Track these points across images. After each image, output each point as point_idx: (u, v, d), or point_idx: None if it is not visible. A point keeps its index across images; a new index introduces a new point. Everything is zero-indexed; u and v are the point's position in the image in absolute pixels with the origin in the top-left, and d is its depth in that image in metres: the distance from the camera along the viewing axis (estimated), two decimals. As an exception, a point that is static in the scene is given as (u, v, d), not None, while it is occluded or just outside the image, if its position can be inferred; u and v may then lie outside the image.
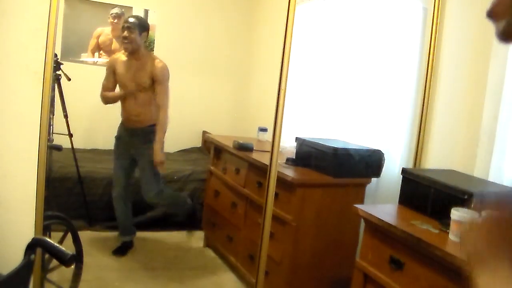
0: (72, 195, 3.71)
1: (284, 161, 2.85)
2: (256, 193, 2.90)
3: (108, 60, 3.39)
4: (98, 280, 2.94)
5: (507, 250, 0.49)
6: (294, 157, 2.88)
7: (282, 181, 2.51)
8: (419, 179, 2.07)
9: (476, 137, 2.23)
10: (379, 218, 1.87)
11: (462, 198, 1.81)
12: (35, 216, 2.00)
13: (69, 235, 2.51)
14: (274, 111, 2.25)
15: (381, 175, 2.72)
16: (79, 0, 4.47)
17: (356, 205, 2.03)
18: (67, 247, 1.44)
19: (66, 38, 4.43)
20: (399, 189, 2.19)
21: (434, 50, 2.49)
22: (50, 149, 2.77)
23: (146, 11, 4.72)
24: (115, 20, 4.62)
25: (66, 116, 3.51)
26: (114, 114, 3.39)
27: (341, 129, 3.20)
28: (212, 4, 4.96)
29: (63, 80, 3.38)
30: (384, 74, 2.88)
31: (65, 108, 3.47)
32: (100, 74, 4.59)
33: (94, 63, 4.62)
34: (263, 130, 3.70)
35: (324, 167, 2.64)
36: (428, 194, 1.98)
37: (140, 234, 3.69)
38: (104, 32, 4.61)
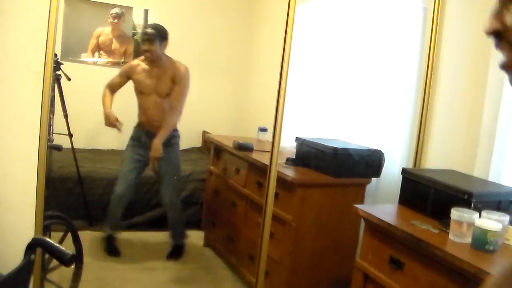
0: (72, 195, 3.71)
1: (284, 161, 2.85)
2: (256, 193, 2.90)
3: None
4: (98, 280, 2.94)
5: None
6: (294, 157, 2.88)
7: (282, 181, 2.51)
8: (419, 179, 2.07)
9: (476, 137, 2.23)
10: (379, 218, 1.87)
11: (462, 198, 1.81)
12: (35, 216, 2.00)
13: (69, 235, 2.51)
14: (274, 111, 2.25)
15: (381, 175, 2.72)
16: (79, 0, 4.47)
17: (356, 205, 2.03)
18: (67, 247, 1.44)
19: (66, 38, 4.43)
20: (399, 189, 2.19)
21: (434, 50, 2.49)
22: (50, 149, 2.77)
23: (146, 11, 4.72)
24: (115, 20, 4.61)
25: (66, 116, 3.51)
26: (133, 118, 3.38)
27: (341, 129, 3.20)
28: (212, 4, 4.96)
29: (63, 80, 3.38)
30: (384, 74, 2.88)
31: (65, 108, 3.47)
32: (100, 74, 4.62)
33: (94, 63, 4.62)
34: (263, 130, 3.70)
35: (324, 167, 2.64)
36: (428, 194, 1.98)
37: (140, 234, 3.69)
38: (104, 32, 4.61)
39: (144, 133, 3.31)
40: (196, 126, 5.02)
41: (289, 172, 2.60)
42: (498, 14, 0.56)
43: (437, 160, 2.48)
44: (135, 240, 3.62)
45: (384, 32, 2.90)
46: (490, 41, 0.61)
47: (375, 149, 2.69)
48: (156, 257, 3.43)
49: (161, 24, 3.26)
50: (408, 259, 1.73)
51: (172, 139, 3.31)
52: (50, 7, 1.92)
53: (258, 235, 2.42)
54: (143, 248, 3.53)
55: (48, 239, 1.35)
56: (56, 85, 3.27)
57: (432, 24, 2.49)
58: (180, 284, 3.06)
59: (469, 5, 2.38)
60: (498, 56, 0.64)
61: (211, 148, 3.71)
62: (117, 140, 4.39)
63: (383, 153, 2.69)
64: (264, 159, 2.75)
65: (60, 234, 2.51)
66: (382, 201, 2.74)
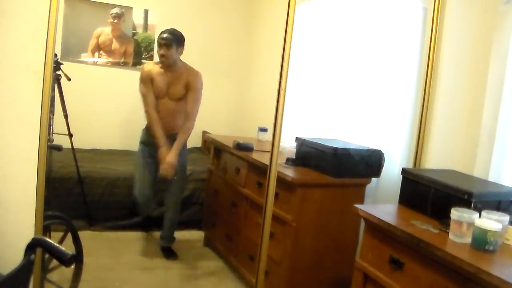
0: (72, 195, 3.71)
1: (284, 161, 2.85)
2: (256, 193, 2.90)
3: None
4: (98, 280, 2.94)
5: None
6: (294, 157, 2.88)
7: (282, 181, 2.51)
8: (419, 179, 2.07)
9: (476, 137, 2.23)
10: (379, 218, 1.87)
11: (462, 198, 1.81)
12: (35, 216, 2.00)
13: (69, 235, 2.51)
14: (274, 111, 2.25)
15: (381, 175, 2.72)
16: (79, 0, 4.47)
17: (356, 205, 2.03)
18: (67, 247, 1.44)
19: (66, 38, 4.43)
20: (399, 189, 2.19)
21: (434, 50, 2.49)
22: (50, 149, 2.77)
23: (146, 11, 4.72)
24: (115, 20, 4.62)
25: (66, 116, 3.51)
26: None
27: (341, 129, 3.20)
28: (212, 4, 4.96)
29: (63, 80, 3.37)
30: (384, 74, 2.88)
31: (65, 108, 3.47)
32: (100, 74, 4.63)
33: (94, 63, 4.62)
34: (263, 130, 3.71)
35: (324, 167, 2.64)
36: (428, 194, 1.98)
37: (140, 234, 3.69)
38: (104, 32, 4.61)
39: (153, 136, 3.29)
40: (196, 126, 4.97)
41: (289, 172, 2.60)
42: None
43: (437, 160, 2.48)
44: (135, 240, 3.62)
45: (384, 32, 2.90)
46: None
47: (375, 149, 2.69)
48: (156, 257, 3.43)
49: (177, 30, 3.27)
50: (408, 259, 1.73)
51: None
52: (50, 7, 1.92)
53: (258, 235, 2.42)
54: (143, 248, 3.53)
55: (48, 239, 1.35)
56: (56, 85, 3.27)
57: (432, 24, 2.49)
58: (180, 284, 3.06)
59: (469, 5, 2.38)
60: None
61: (211, 148, 3.71)
62: (117, 140, 4.40)
63: (383, 153, 2.69)
64: (264, 159, 2.75)
65: (60, 234, 2.52)
66: (382, 201, 2.74)
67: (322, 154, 2.66)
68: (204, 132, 4.98)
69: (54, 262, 2.29)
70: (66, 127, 3.54)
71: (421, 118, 2.53)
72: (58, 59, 3.31)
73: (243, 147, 3.15)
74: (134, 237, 3.64)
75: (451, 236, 1.68)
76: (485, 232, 1.56)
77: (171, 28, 3.27)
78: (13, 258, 1.42)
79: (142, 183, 3.35)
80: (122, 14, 4.63)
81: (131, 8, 4.66)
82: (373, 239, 1.93)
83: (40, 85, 1.95)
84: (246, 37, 5.05)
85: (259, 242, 2.40)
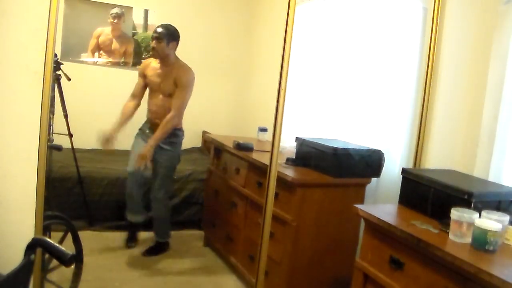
0: (72, 195, 3.71)
1: (284, 161, 2.85)
2: (256, 193, 2.90)
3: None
4: (98, 280, 2.94)
5: None
6: (294, 157, 2.88)
7: (282, 181, 2.51)
8: (419, 179, 2.07)
9: (476, 137, 2.23)
10: (379, 218, 1.87)
11: (462, 198, 1.81)
12: (35, 216, 2.00)
13: (69, 235, 2.51)
14: (274, 111, 2.25)
15: (381, 175, 2.72)
16: (79, 0, 4.47)
17: (356, 205, 2.03)
18: (67, 247, 1.43)
19: (66, 38, 4.43)
20: (399, 189, 2.19)
21: (434, 50, 2.49)
22: (50, 149, 2.77)
23: (146, 11, 4.72)
24: (115, 20, 4.62)
25: (66, 116, 3.51)
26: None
27: (341, 129, 3.20)
28: (212, 4, 4.96)
29: (63, 80, 3.37)
30: (384, 74, 2.88)
31: (65, 108, 3.47)
32: (100, 74, 4.63)
33: (94, 63, 4.62)
34: (263, 130, 3.70)
35: (324, 167, 2.64)
36: (428, 194, 1.98)
37: (141, 234, 3.69)
38: (104, 32, 4.61)
39: (147, 127, 3.41)
40: (196, 126, 5.02)
41: (289, 172, 2.60)
42: None
43: (437, 160, 2.48)
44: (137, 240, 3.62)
45: (384, 32, 2.90)
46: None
47: (375, 149, 2.69)
48: (156, 256, 3.43)
49: (173, 25, 3.29)
50: (408, 259, 1.73)
51: (172, 138, 3.32)
52: (50, 7, 1.92)
53: (258, 235, 2.42)
54: (143, 248, 3.53)
55: (48, 239, 1.35)
56: (56, 85, 3.27)
57: (432, 24, 2.49)
58: (180, 284, 3.06)
59: (469, 5, 2.38)
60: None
61: (211, 148, 3.71)
62: (117, 140, 4.39)
63: (383, 153, 2.69)
64: (264, 159, 2.75)
65: (60, 234, 2.51)
66: (382, 201, 2.74)
67: (322, 154, 2.66)
68: (204, 132, 4.98)
69: (54, 262, 2.29)
70: (66, 127, 3.54)
71: (421, 118, 2.53)
72: (58, 59, 3.31)
73: (243, 147, 3.15)
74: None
75: (451, 236, 1.68)
76: (485, 232, 1.56)
77: (167, 23, 3.31)
78: (13, 258, 1.42)
79: (130, 180, 3.39)
80: (122, 14, 4.63)
81: (131, 8, 4.66)
82: (373, 239, 1.93)
83: (40, 85, 1.95)
84: (246, 37, 5.05)
85: (259, 242, 2.40)
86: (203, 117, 5.05)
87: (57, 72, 3.25)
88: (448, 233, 1.70)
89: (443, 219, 1.81)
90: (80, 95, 4.29)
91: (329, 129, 3.31)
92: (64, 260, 1.30)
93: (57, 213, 2.50)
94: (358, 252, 2.30)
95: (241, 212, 3.10)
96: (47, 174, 2.17)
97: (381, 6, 2.94)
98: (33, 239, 1.34)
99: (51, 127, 2.99)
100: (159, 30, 3.20)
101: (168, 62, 3.27)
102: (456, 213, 1.67)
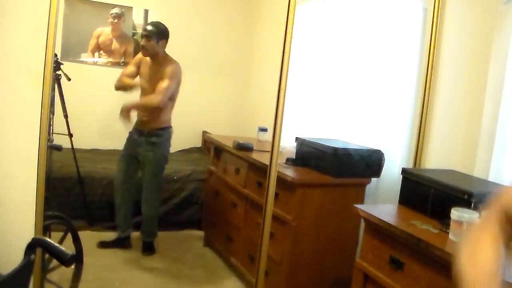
0: (72, 195, 3.71)
1: (284, 161, 2.85)
2: (256, 193, 2.90)
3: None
4: (98, 280, 2.94)
5: None
6: (294, 157, 2.88)
7: (282, 181, 2.51)
8: (419, 179, 2.07)
9: (476, 137, 2.23)
10: (379, 218, 1.87)
11: (462, 198, 1.81)
12: (35, 216, 2.00)
13: (69, 235, 2.51)
14: (274, 111, 2.25)
15: (381, 175, 2.72)
16: (79, 0, 4.47)
17: (356, 205, 2.03)
18: (67, 247, 1.44)
19: (66, 38, 4.43)
20: (399, 189, 2.19)
21: (434, 50, 2.49)
22: (50, 149, 2.77)
23: (146, 11, 4.72)
24: (115, 20, 4.61)
25: (66, 116, 3.51)
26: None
27: (341, 129, 3.20)
28: (212, 4, 4.96)
29: (63, 80, 3.37)
30: (384, 74, 2.88)
31: (65, 108, 3.47)
32: (100, 74, 4.63)
33: (94, 63, 4.62)
34: (263, 130, 3.70)
35: (324, 167, 2.64)
36: (428, 194, 1.98)
37: (139, 234, 3.68)
38: (104, 32, 4.61)
39: (134, 128, 3.37)
40: (196, 126, 5.02)
41: (289, 172, 2.60)
42: None
43: (437, 160, 2.48)
44: (135, 240, 3.61)
45: (384, 32, 2.90)
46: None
47: (375, 149, 2.69)
48: (156, 257, 3.43)
49: (163, 23, 3.29)
50: (408, 259, 1.73)
51: (155, 137, 3.31)
52: (50, 7, 1.92)
53: (258, 235, 2.42)
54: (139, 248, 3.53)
55: (48, 239, 1.35)
56: (56, 85, 3.27)
57: (432, 24, 2.49)
58: (180, 284, 3.06)
59: (469, 5, 2.38)
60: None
61: (211, 148, 3.71)
62: (117, 140, 4.38)
63: (383, 153, 2.69)
64: (264, 159, 2.75)
65: (60, 234, 2.51)
66: (382, 201, 2.74)
67: (322, 154, 2.66)
68: (204, 132, 4.98)
69: (54, 262, 2.29)
70: (66, 127, 3.54)
71: (421, 118, 2.53)
72: (58, 59, 3.31)
73: (243, 147, 3.15)
74: (134, 237, 3.63)
75: (451, 236, 1.68)
76: (485, 232, 1.56)
77: (156, 21, 3.32)
78: (13, 258, 1.42)
79: (119, 172, 3.41)
80: (122, 14, 4.63)
81: (131, 8, 4.66)
82: (373, 239, 1.93)
83: (40, 85, 1.95)
84: (246, 37, 5.05)
85: (259, 242, 2.40)
86: (203, 117, 5.05)
87: (57, 72, 3.25)
88: (448, 233, 1.71)
89: (443, 219, 1.81)
90: (80, 95, 4.29)
91: (329, 129, 3.31)
92: (64, 260, 1.30)
93: (57, 213, 2.50)
94: (358, 252, 2.30)
95: (241, 212, 3.10)
96: (47, 174, 2.17)
97: (381, 6, 2.94)
98: (33, 239, 1.34)
99: (51, 127, 2.99)
100: (149, 28, 3.19)
101: (158, 59, 3.26)
102: (456, 213, 1.67)
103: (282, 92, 2.24)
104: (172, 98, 3.31)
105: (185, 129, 4.92)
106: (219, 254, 3.54)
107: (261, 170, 2.78)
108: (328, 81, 3.40)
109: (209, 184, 3.71)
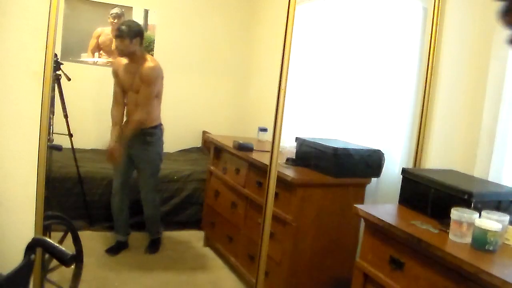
0: (72, 195, 3.71)
1: (284, 161, 2.85)
2: (256, 193, 2.90)
3: (110, 61, 3.38)
4: (98, 280, 2.94)
5: None
6: (294, 157, 2.88)
7: (282, 181, 2.51)
8: (419, 179, 2.07)
9: (476, 137, 2.23)
10: (379, 218, 1.87)
11: (462, 198, 1.81)
12: (35, 216, 2.00)
13: (69, 235, 2.51)
14: (274, 111, 2.25)
15: (381, 175, 2.72)
16: (79, 0, 4.47)
17: (356, 205, 2.03)
18: (67, 247, 1.43)
19: (66, 38, 4.43)
20: (399, 189, 2.19)
21: (434, 50, 2.49)
22: (50, 149, 2.77)
23: (146, 11, 4.72)
24: (115, 20, 4.61)
25: (66, 116, 3.51)
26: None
27: (341, 129, 3.20)
28: (212, 4, 4.96)
29: (63, 80, 3.37)
30: (384, 74, 2.88)
31: (65, 108, 3.47)
32: (100, 74, 4.62)
33: (94, 63, 4.62)
34: (263, 130, 3.70)
35: (324, 167, 2.64)
36: (428, 194, 1.98)
37: (140, 234, 3.69)
38: (104, 32, 4.61)
39: (125, 130, 3.35)
40: (196, 126, 5.02)
41: (289, 172, 2.60)
42: None
43: (437, 160, 2.48)
44: (135, 240, 3.62)
45: (384, 32, 2.90)
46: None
47: (375, 149, 2.69)
48: (156, 257, 3.43)
49: (136, 22, 3.29)
50: (408, 259, 1.73)
51: (148, 137, 3.32)
52: (50, 7, 1.92)
53: (258, 235, 2.42)
54: (143, 248, 3.53)
55: (48, 239, 1.35)
56: (56, 85, 3.27)
57: (432, 24, 2.49)
58: (180, 284, 3.06)
59: (469, 5, 2.38)
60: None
61: (211, 148, 3.71)
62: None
63: (383, 153, 2.69)
64: (264, 159, 2.75)
65: (60, 234, 2.51)
66: (382, 201, 2.74)
67: (322, 154, 2.66)
68: (204, 132, 4.98)
69: (54, 262, 2.29)
70: (66, 127, 3.54)
71: (421, 118, 2.53)
72: (58, 59, 3.31)
73: (243, 147, 3.15)
74: (134, 237, 3.63)
75: (451, 236, 1.68)
76: (485, 232, 1.56)
77: (129, 20, 3.35)
78: (13, 258, 1.42)
79: (115, 178, 3.43)
80: (122, 14, 4.62)
81: (131, 8, 4.66)
82: (373, 239, 1.93)
83: (40, 85, 1.95)
84: (246, 37, 5.05)
85: (259, 242, 2.40)
86: (203, 117, 5.05)
87: (57, 72, 3.25)
88: (448, 233, 1.70)
89: (443, 219, 1.81)
90: (80, 95, 4.29)
91: (329, 129, 3.31)
92: (64, 260, 1.30)
93: (57, 213, 2.50)
94: (358, 252, 2.30)
95: (241, 212, 3.10)
96: (47, 174, 2.17)
97: (381, 6, 2.94)
98: (33, 239, 1.34)
99: (51, 127, 2.99)
100: (121, 28, 3.14)
101: (135, 58, 3.22)
102: (456, 213, 1.67)
103: (282, 92, 2.24)
104: (158, 96, 3.31)
105: (185, 129, 4.93)
106: (219, 254, 3.54)
107: (261, 170, 2.78)
108: (328, 81, 3.40)
109: (209, 184, 3.71)
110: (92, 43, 4.59)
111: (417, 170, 2.33)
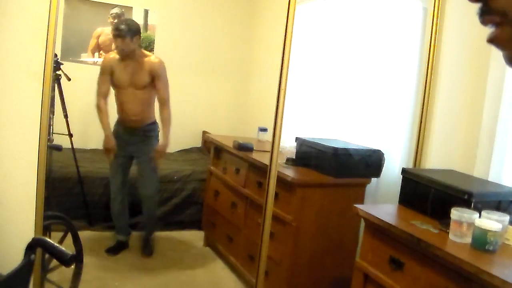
0: (72, 195, 3.71)
1: (284, 161, 2.85)
2: (256, 193, 2.90)
3: (103, 60, 3.35)
4: (98, 280, 2.94)
5: None
6: (294, 157, 2.88)
7: (282, 181, 2.51)
8: (419, 179, 2.07)
9: (476, 137, 2.23)
10: (379, 218, 1.87)
11: (462, 198, 1.81)
12: (35, 216, 2.00)
13: (69, 235, 2.51)
14: (274, 111, 2.25)
15: (381, 175, 2.72)
16: (79, 0, 4.47)
17: (356, 205, 2.03)
18: (67, 247, 1.43)
19: (66, 38, 4.43)
20: (399, 189, 2.19)
21: (434, 50, 2.49)
22: (50, 149, 2.77)
23: (146, 11, 4.72)
24: (115, 20, 4.61)
25: (66, 116, 3.51)
26: (114, 114, 3.39)
27: (341, 129, 3.20)
28: (212, 4, 4.96)
29: (63, 80, 3.37)
30: (384, 74, 2.88)
31: (65, 108, 3.47)
32: (100, 74, 4.61)
33: (94, 63, 4.62)
34: (263, 130, 3.70)
35: (324, 167, 2.64)
36: (428, 194, 1.98)
37: (140, 234, 3.68)
38: (104, 32, 4.61)
39: (122, 129, 3.36)
40: (196, 126, 5.02)
41: (289, 172, 2.60)
42: None
43: (437, 160, 2.48)
44: (135, 240, 3.62)
45: (384, 32, 2.90)
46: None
47: (375, 149, 2.69)
48: (156, 257, 3.43)
49: (133, 20, 3.30)
50: (408, 259, 1.73)
51: (148, 132, 3.34)
52: (50, 7, 1.92)
53: (258, 235, 2.42)
54: (137, 249, 3.53)
55: (48, 239, 1.35)
56: (56, 85, 3.27)
57: (432, 24, 2.49)
58: (180, 284, 3.06)
59: (469, 5, 2.36)
60: (498, 56, 0.63)
61: (211, 148, 3.71)
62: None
63: (383, 153, 2.69)
64: (264, 159, 2.75)
65: (60, 234, 2.51)
66: (382, 201, 2.74)
67: (322, 154, 2.66)
68: (204, 132, 4.98)
69: (54, 262, 2.29)
70: (66, 127, 3.54)
71: (421, 118, 2.53)
72: (58, 59, 3.31)
73: (243, 147, 3.15)
74: (133, 237, 3.63)
75: (451, 236, 1.68)
76: (485, 232, 1.56)
77: (126, 19, 3.35)
78: (13, 258, 1.42)
79: (114, 178, 3.42)
80: (122, 14, 4.62)
81: (131, 8, 4.66)
82: (373, 239, 1.93)
83: (40, 85, 1.95)
84: (246, 37, 5.05)
85: (259, 242, 2.40)
86: (203, 117, 5.05)
87: (57, 72, 3.25)
88: (448, 233, 1.71)
89: (443, 219, 1.81)
90: (80, 95, 4.28)
91: (329, 129, 3.31)
92: (64, 260, 1.30)
93: (57, 213, 2.50)
94: (358, 252, 2.30)
95: (241, 212, 3.09)
96: (47, 174, 2.17)
97: (381, 6, 2.94)
98: (33, 239, 1.34)
99: (51, 127, 2.99)
100: (121, 27, 3.12)
101: (135, 56, 3.21)
102: (456, 213, 1.67)
103: (282, 92, 2.24)
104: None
105: (185, 129, 4.92)
106: (219, 254, 3.54)
107: (261, 170, 2.78)
108: (328, 81, 3.40)
109: (209, 184, 3.71)
110: (92, 43, 4.59)
111: (417, 170, 2.33)
